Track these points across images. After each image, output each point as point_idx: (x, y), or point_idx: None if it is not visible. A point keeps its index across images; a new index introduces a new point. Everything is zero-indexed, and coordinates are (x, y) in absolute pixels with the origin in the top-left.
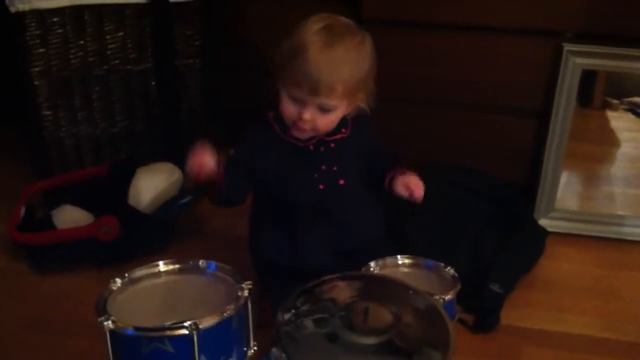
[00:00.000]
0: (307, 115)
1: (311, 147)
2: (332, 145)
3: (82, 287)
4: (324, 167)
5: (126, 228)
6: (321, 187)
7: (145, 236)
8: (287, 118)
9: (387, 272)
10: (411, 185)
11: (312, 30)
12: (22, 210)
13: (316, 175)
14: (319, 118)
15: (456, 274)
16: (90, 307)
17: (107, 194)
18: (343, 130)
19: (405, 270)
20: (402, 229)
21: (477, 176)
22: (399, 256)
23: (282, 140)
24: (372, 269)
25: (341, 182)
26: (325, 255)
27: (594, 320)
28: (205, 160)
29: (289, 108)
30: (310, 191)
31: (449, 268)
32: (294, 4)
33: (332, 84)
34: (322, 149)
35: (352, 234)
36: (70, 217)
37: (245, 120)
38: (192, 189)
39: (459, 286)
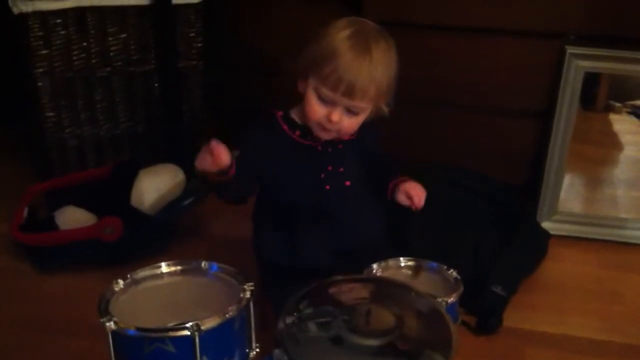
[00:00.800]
0: (336, 116)
1: (319, 148)
2: (340, 146)
3: (83, 288)
4: (330, 168)
5: (129, 229)
6: (327, 187)
7: (148, 237)
8: (312, 119)
9: (389, 274)
10: (412, 194)
11: (345, 34)
12: (25, 211)
13: (323, 176)
14: (346, 120)
15: (459, 277)
16: (90, 308)
17: (110, 195)
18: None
19: (408, 272)
20: (402, 230)
21: (476, 178)
22: (401, 258)
23: (289, 139)
24: (374, 270)
25: (347, 183)
26: (325, 257)
27: (597, 323)
28: (221, 154)
29: (317, 109)
30: (316, 191)
31: (451, 270)
32: (296, 6)
33: (367, 87)
34: (329, 149)
35: (353, 235)
36: (72, 217)
37: (247, 122)
38: (196, 189)
39: (461, 289)
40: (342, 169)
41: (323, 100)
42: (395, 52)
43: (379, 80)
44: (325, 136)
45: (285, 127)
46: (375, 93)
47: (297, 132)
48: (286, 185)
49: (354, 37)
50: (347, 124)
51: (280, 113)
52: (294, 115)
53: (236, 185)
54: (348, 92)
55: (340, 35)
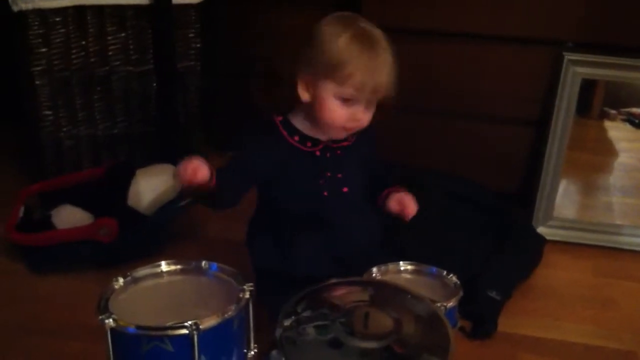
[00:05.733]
0: (362, 114)
1: (318, 153)
2: (339, 152)
3: (78, 289)
4: (329, 174)
5: (124, 230)
6: (325, 193)
7: (143, 238)
8: (336, 124)
9: (388, 278)
10: (405, 202)
11: (348, 35)
12: (21, 211)
13: (321, 182)
14: (367, 114)
15: (458, 282)
16: (86, 309)
17: (107, 195)
18: (348, 137)
19: (407, 276)
20: (396, 236)
21: (470, 185)
22: (401, 262)
23: (289, 145)
24: (374, 274)
25: (345, 189)
26: (321, 265)
27: (591, 328)
28: (199, 167)
29: (341, 113)
30: (313, 197)
31: (451, 275)
32: (293, 10)
33: (388, 80)
34: (328, 155)
35: (349, 242)
36: (70, 217)
37: (242, 125)
38: (191, 192)
39: (461, 293)
40: (340, 175)
41: (344, 101)
42: None
43: (393, 70)
44: (341, 135)
45: (285, 132)
46: (392, 82)
47: (296, 138)
48: (284, 191)
49: (357, 37)
50: (368, 117)
51: (279, 118)
52: (294, 120)
53: (219, 194)
54: (375, 90)
55: (343, 38)
